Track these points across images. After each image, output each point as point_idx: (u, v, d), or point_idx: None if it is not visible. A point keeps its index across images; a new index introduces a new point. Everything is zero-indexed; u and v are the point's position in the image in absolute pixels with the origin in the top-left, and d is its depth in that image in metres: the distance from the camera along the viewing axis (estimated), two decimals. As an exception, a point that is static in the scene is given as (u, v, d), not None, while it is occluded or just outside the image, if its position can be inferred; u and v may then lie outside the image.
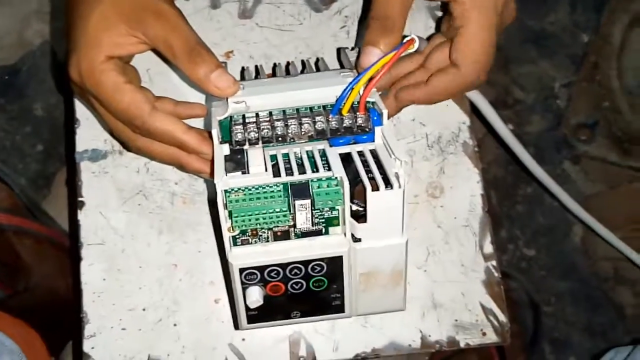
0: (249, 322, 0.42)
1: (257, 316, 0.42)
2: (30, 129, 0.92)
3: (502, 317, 0.51)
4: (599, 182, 0.92)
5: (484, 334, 0.50)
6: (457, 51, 0.43)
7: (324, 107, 0.42)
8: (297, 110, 0.42)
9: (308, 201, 0.37)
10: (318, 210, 0.38)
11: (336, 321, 0.50)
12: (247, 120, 0.41)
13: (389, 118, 0.40)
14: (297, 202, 0.37)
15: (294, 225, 0.39)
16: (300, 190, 0.37)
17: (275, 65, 0.52)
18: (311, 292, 0.40)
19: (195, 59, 0.40)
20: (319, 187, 0.37)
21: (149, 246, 0.51)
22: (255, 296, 0.39)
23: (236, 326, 0.49)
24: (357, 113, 0.41)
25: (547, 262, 0.91)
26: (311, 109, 0.42)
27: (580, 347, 0.88)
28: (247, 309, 0.41)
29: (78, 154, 0.52)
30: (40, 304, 0.74)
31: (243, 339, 0.50)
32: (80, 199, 0.51)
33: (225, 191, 0.37)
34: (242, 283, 0.39)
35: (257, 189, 0.37)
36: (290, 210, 0.38)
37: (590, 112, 0.92)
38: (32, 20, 0.94)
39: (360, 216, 0.39)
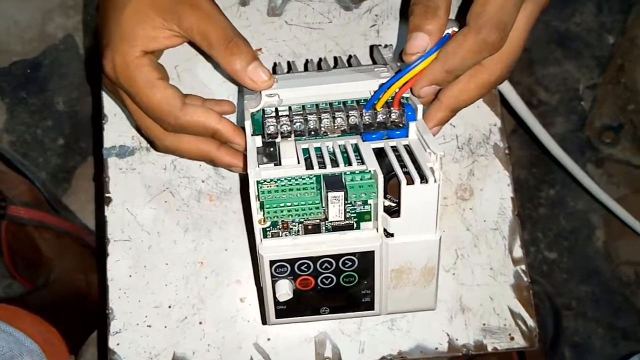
0: (277, 317, 0.42)
1: (286, 311, 0.41)
2: (52, 123, 0.92)
3: (531, 322, 0.50)
4: (623, 186, 0.91)
5: (512, 338, 0.50)
6: (471, 12, 0.39)
7: (358, 101, 0.41)
8: (330, 104, 0.41)
9: (341, 193, 0.36)
10: (350, 204, 0.38)
11: (362, 322, 0.50)
12: (280, 114, 0.41)
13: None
14: (330, 194, 0.36)
15: (326, 219, 0.38)
16: (333, 183, 0.37)
17: (307, 61, 0.52)
18: (341, 288, 0.40)
19: (232, 50, 0.40)
20: (352, 180, 0.37)
21: (175, 243, 0.51)
22: (285, 289, 0.39)
23: (264, 321, 0.49)
24: (391, 108, 0.40)
25: (568, 265, 0.90)
26: (344, 103, 0.41)
27: (602, 351, 0.88)
28: (276, 303, 0.40)
29: (105, 150, 0.52)
30: (60, 299, 0.74)
31: (268, 339, 0.50)
32: (107, 195, 0.51)
33: (258, 182, 0.37)
34: (272, 276, 0.39)
35: (289, 180, 0.37)
36: (322, 203, 0.37)
37: (615, 114, 0.91)
38: (55, 14, 0.95)
39: (392, 212, 0.38)
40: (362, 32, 0.53)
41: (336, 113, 0.40)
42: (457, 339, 0.50)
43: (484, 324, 0.50)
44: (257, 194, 0.37)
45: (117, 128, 0.52)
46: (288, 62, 0.51)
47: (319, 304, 0.41)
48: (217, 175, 0.52)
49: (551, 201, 0.91)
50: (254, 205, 0.37)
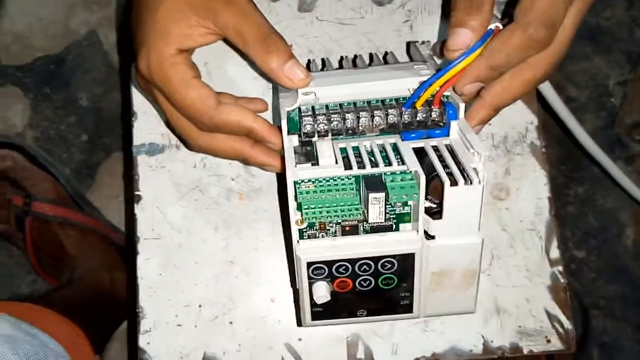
0: (313, 319, 0.41)
1: (322, 313, 0.40)
2: (75, 119, 0.92)
3: (568, 324, 0.49)
4: (653, 184, 0.89)
5: (549, 340, 0.49)
6: (519, 7, 0.38)
7: (397, 100, 0.40)
8: (369, 102, 0.40)
9: (382, 194, 0.35)
10: (390, 205, 0.37)
11: (395, 324, 0.49)
12: (316, 112, 0.40)
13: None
14: (371, 195, 0.35)
15: (364, 220, 0.37)
16: (374, 183, 0.36)
17: (342, 58, 0.51)
18: (379, 290, 0.39)
19: (269, 48, 0.39)
20: (392, 181, 0.36)
21: (205, 242, 0.50)
22: (323, 292, 0.38)
23: (299, 323, 0.48)
24: (432, 107, 0.39)
25: (597, 264, 0.88)
26: (383, 101, 0.40)
27: (630, 352, 0.86)
28: (313, 305, 0.39)
29: (135, 148, 0.51)
30: (85, 297, 0.74)
31: (300, 339, 0.49)
32: (137, 192, 0.51)
33: (296, 182, 0.36)
34: (309, 278, 0.38)
35: (328, 181, 0.36)
36: (361, 204, 0.37)
37: (645, 111, 0.89)
38: (78, 10, 0.94)
39: (433, 213, 0.37)
40: (395, 27, 0.52)
41: (374, 112, 0.39)
42: (492, 341, 0.49)
43: (520, 326, 0.49)
44: (295, 194, 0.36)
45: (146, 125, 0.52)
46: (322, 59, 0.50)
47: (356, 307, 0.40)
48: (247, 174, 0.51)
49: (580, 199, 0.90)
50: (292, 205, 0.36)
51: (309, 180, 0.36)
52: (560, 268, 0.49)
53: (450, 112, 0.39)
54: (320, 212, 0.36)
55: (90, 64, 0.93)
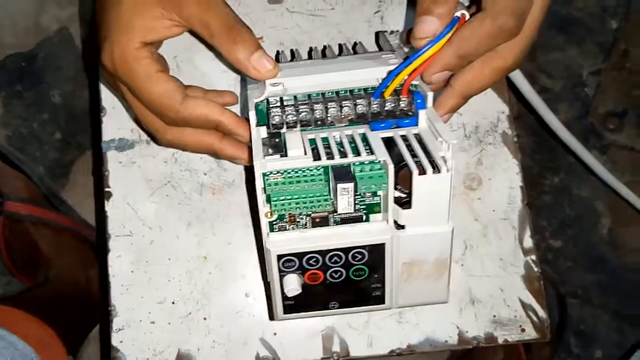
0: (285, 312, 0.40)
1: (294, 306, 0.40)
2: (48, 116, 0.90)
3: (542, 313, 0.49)
4: (627, 173, 0.89)
5: (523, 330, 0.49)
6: None
7: (365, 90, 0.40)
8: (337, 93, 0.40)
9: (351, 184, 0.35)
10: (359, 196, 0.37)
11: (370, 316, 0.49)
12: (284, 103, 0.39)
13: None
14: (340, 186, 0.35)
15: (334, 211, 0.37)
16: (342, 174, 0.36)
17: (311, 49, 0.51)
18: (351, 282, 0.39)
19: (235, 39, 0.39)
20: (361, 171, 0.36)
21: (178, 238, 0.50)
22: (294, 284, 0.38)
23: (271, 317, 0.48)
24: (400, 96, 0.39)
25: (573, 253, 0.89)
26: (352, 91, 0.40)
27: (607, 340, 0.87)
28: (284, 298, 0.39)
29: (104, 144, 0.51)
30: (60, 296, 0.73)
31: (275, 334, 0.49)
32: (107, 189, 0.50)
33: (264, 174, 0.36)
34: (280, 271, 0.38)
35: (296, 172, 0.36)
36: (330, 195, 0.36)
37: (619, 100, 0.90)
38: (48, 5, 0.93)
39: (402, 203, 0.37)
40: (366, 18, 0.52)
41: (343, 102, 0.39)
42: (467, 332, 0.49)
43: (494, 316, 0.49)
44: (263, 186, 0.36)
45: (115, 121, 0.51)
46: (291, 50, 0.50)
47: (328, 299, 0.40)
48: (219, 168, 0.51)
49: (555, 188, 0.90)
50: (260, 198, 0.36)
51: (278, 172, 0.36)
52: (534, 257, 0.50)
53: (419, 101, 0.39)
54: (290, 204, 0.36)
55: (62, 60, 0.92)
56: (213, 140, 0.43)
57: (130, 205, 0.50)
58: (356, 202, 0.37)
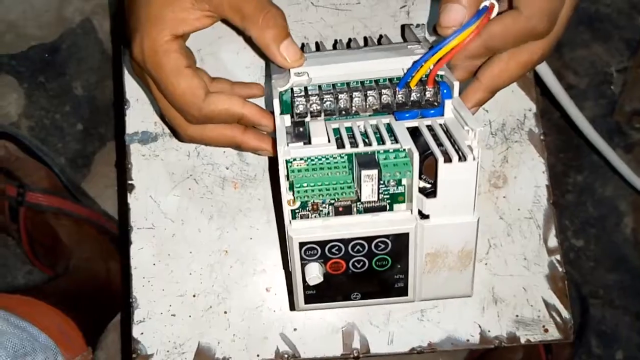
0: (306, 302, 0.39)
1: (315, 296, 0.39)
2: (70, 107, 0.91)
3: (566, 314, 0.49)
4: (653, 172, 0.88)
5: (546, 330, 0.48)
6: None
7: (390, 80, 0.39)
8: (362, 82, 0.39)
9: (375, 171, 0.35)
10: (383, 184, 0.36)
11: (391, 313, 0.49)
12: (309, 92, 0.39)
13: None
14: (364, 173, 0.35)
15: (358, 200, 0.36)
16: (366, 161, 0.35)
17: (336, 41, 0.50)
18: (373, 272, 0.38)
19: (268, 22, 0.38)
20: (386, 159, 0.35)
21: (200, 231, 0.50)
22: (315, 272, 0.37)
23: (292, 307, 0.47)
24: (426, 86, 0.38)
25: (596, 253, 0.88)
26: (377, 81, 0.39)
27: (629, 341, 0.86)
28: (306, 287, 0.38)
29: (128, 136, 0.51)
30: (80, 287, 0.74)
31: (295, 329, 0.49)
32: (130, 182, 0.50)
33: (287, 161, 0.35)
34: (302, 259, 0.37)
35: (320, 159, 0.36)
36: (354, 183, 0.36)
37: (645, 99, 0.88)
38: (72, -3, 0.93)
39: (427, 193, 0.37)
40: (391, 13, 0.51)
41: (368, 92, 0.38)
42: (489, 331, 0.48)
43: (517, 316, 0.48)
44: (286, 173, 0.35)
45: (139, 114, 0.51)
46: (316, 43, 0.49)
47: (350, 289, 0.39)
48: (242, 162, 0.50)
49: (579, 187, 0.89)
50: (283, 185, 0.36)
51: (301, 159, 0.35)
52: (559, 257, 0.49)
53: (445, 91, 0.38)
54: (313, 191, 0.35)
55: (85, 52, 0.92)
56: (235, 133, 0.43)
57: (152, 198, 0.50)
58: (380, 191, 0.36)
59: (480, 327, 0.48)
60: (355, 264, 0.38)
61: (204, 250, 0.49)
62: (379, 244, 0.37)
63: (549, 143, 0.89)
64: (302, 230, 0.37)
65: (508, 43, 0.38)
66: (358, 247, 0.37)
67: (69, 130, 0.90)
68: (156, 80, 0.41)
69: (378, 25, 0.51)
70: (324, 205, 0.37)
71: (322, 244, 0.37)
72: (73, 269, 0.77)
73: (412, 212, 0.37)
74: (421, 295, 0.40)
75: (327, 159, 0.36)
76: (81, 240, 0.80)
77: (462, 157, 0.34)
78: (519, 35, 0.37)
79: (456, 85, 0.38)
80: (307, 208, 0.37)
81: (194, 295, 0.49)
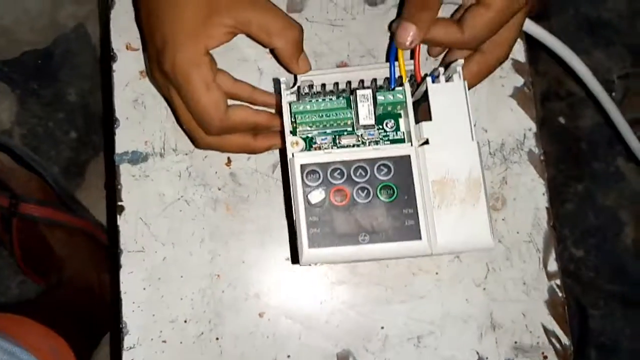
0: (311, 246, 0.37)
1: (320, 236, 0.37)
2: (63, 115, 0.90)
3: (565, 340, 0.47)
4: (655, 180, 0.87)
5: (545, 357, 0.47)
6: None
7: (387, 79, 0.43)
8: (362, 81, 0.44)
9: (369, 91, 0.39)
10: (383, 130, 0.40)
11: (387, 339, 0.47)
12: (313, 90, 0.44)
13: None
14: (359, 92, 0.39)
15: (359, 137, 0.40)
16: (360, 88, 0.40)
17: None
18: (380, 204, 0.37)
19: (289, 39, 0.42)
20: (383, 97, 0.39)
21: (191, 255, 0.48)
22: (318, 196, 0.37)
23: (295, 259, 0.47)
24: (417, 82, 0.42)
25: (596, 263, 0.87)
26: (375, 80, 0.43)
27: (629, 353, 0.85)
28: (309, 224, 0.37)
29: (117, 156, 0.49)
30: (73, 300, 0.73)
31: (288, 356, 0.47)
32: (119, 203, 0.49)
33: (291, 103, 0.40)
34: (304, 185, 0.37)
35: (319, 102, 0.40)
36: (352, 110, 0.39)
37: (647, 106, 0.87)
38: (66, 2, 0.92)
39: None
40: (387, 30, 0.50)
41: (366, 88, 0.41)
42: (487, 358, 0.47)
43: (516, 342, 0.47)
44: (290, 114, 0.39)
45: (129, 132, 0.50)
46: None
47: (357, 229, 0.37)
48: (234, 183, 0.49)
49: (579, 197, 0.88)
50: (287, 126, 0.39)
51: (302, 102, 0.40)
52: (559, 282, 0.48)
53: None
54: (313, 121, 0.39)
55: (78, 58, 0.91)
56: (248, 140, 0.46)
57: (142, 220, 0.49)
58: (380, 137, 0.40)
59: (478, 353, 0.47)
60: (360, 191, 0.37)
61: (196, 274, 0.48)
62: (381, 167, 0.37)
63: (550, 154, 0.87)
64: (304, 157, 0.38)
65: (484, 30, 0.41)
66: (360, 170, 0.37)
67: (62, 139, 0.89)
68: (182, 92, 0.42)
69: (374, 42, 0.50)
70: (325, 143, 0.40)
71: (323, 167, 0.37)
72: (66, 281, 0.76)
73: (412, 145, 0.38)
74: (437, 241, 0.37)
75: (325, 100, 0.40)
76: (74, 251, 0.79)
77: (450, 79, 0.38)
78: (496, 18, 0.41)
79: (459, 70, 0.40)
80: (311, 149, 0.40)
81: (185, 321, 0.48)
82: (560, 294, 0.48)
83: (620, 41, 0.89)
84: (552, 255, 0.48)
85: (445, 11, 0.46)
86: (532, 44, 0.49)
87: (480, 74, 0.44)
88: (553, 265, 0.48)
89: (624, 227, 0.87)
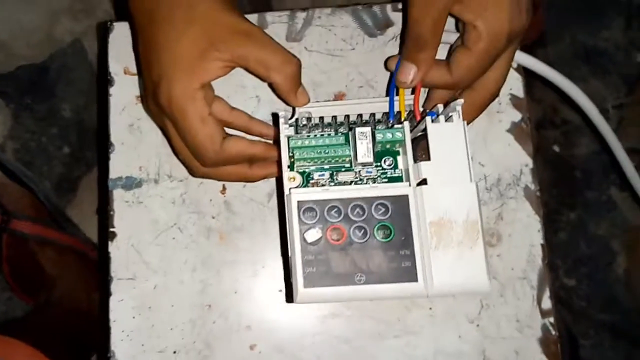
0: (306, 286, 0.36)
1: (316, 276, 0.36)
2: (57, 130, 0.89)
3: (558, 378, 0.47)
4: (648, 211, 0.87)
5: (538, 395, 0.47)
6: (471, 11, 0.40)
7: (386, 113, 0.43)
8: (360, 115, 0.43)
9: (368, 129, 0.38)
10: (380, 168, 0.40)
11: (379, 374, 0.47)
12: (311, 122, 0.43)
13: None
14: (358, 130, 0.38)
15: (356, 174, 0.40)
16: (360, 126, 0.39)
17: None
18: (376, 244, 0.37)
19: (287, 74, 0.42)
20: (382, 135, 0.39)
21: (183, 284, 0.48)
22: (315, 234, 0.37)
23: (289, 297, 0.46)
24: (416, 120, 0.41)
25: (587, 292, 0.86)
26: (373, 115, 0.43)
27: (619, 383, 0.85)
28: (305, 263, 0.36)
29: (111, 181, 0.49)
30: (62, 320, 0.72)
31: (279, 388, 0.47)
32: (111, 229, 0.48)
33: (289, 137, 0.40)
34: (300, 222, 0.37)
35: (318, 137, 0.40)
36: (350, 147, 0.39)
37: (642, 136, 0.88)
38: (63, 18, 0.91)
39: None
40: (384, 66, 0.50)
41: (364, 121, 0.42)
42: (479, 395, 0.47)
43: (509, 380, 0.47)
44: (287, 148, 0.39)
45: (124, 158, 0.49)
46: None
47: (353, 269, 0.37)
48: (228, 212, 0.49)
49: (572, 225, 0.88)
50: (285, 162, 0.38)
51: (301, 137, 0.40)
52: (552, 319, 0.47)
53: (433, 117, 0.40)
54: (311, 157, 0.40)
55: (74, 74, 0.90)
56: (245, 170, 0.46)
57: (134, 247, 0.48)
58: (379, 174, 0.40)
59: (470, 390, 0.47)
60: (356, 231, 0.37)
61: (187, 303, 0.48)
62: (379, 206, 0.37)
63: (542, 180, 0.88)
64: (301, 194, 0.37)
65: (475, 60, 0.41)
66: (358, 209, 0.37)
67: (55, 154, 0.88)
68: (179, 126, 0.42)
69: (373, 73, 0.50)
70: (323, 179, 0.40)
71: (320, 204, 0.37)
72: (55, 301, 0.75)
73: (410, 185, 0.38)
74: (433, 284, 0.36)
75: (323, 136, 0.40)
76: (64, 270, 0.78)
77: (450, 119, 0.38)
78: (484, 49, 0.40)
79: (459, 109, 0.39)
80: (308, 185, 0.40)
81: (174, 352, 0.47)
82: (553, 332, 0.47)
83: (616, 71, 0.90)
84: (547, 293, 0.48)
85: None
86: (527, 70, 0.49)
87: (472, 111, 0.44)
88: (547, 303, 0.48)
89: (616, 256, 0.87)
